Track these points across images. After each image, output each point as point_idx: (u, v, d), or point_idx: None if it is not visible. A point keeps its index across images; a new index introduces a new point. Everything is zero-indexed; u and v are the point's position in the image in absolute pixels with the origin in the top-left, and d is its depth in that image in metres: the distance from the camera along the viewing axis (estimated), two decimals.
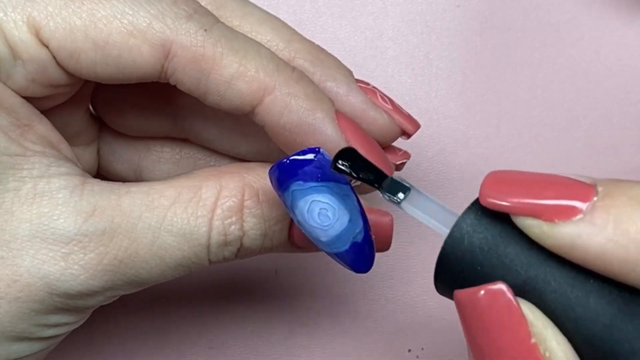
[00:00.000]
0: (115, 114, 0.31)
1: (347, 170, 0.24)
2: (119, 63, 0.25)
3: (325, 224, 0.25)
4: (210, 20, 0.26)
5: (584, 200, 0.20)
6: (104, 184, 0.26)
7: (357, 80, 0.29)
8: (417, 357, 0.37)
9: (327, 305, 0.37)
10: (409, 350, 0.37)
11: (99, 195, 0.25)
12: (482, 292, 0.20)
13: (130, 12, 0.25)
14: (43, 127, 0.26)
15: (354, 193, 0.26)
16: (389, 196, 0.24)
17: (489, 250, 0.21)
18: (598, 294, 0.20)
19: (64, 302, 0.25)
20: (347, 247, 0.26)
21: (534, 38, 0.38)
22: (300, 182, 0.25)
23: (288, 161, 0.25)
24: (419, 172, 0.38)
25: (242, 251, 0.27)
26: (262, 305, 0.37)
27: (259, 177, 0.27)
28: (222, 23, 0.27)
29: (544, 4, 0.38)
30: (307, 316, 0.37)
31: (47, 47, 0.25)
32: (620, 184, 0.20)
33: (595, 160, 0.38)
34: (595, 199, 0.20)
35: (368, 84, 0.30)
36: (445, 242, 0.22)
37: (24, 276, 0.25)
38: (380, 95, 0.29)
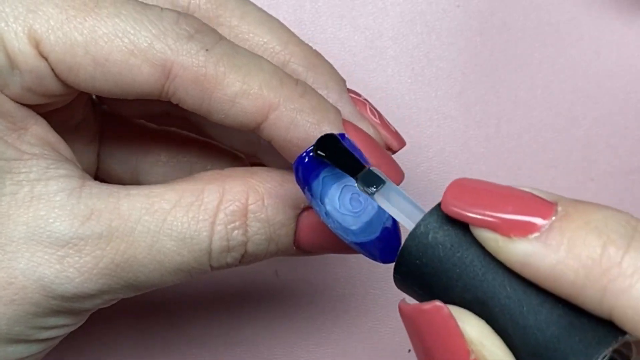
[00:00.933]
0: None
1: (326, 156, 0.24)
2: (119, 80, 0.25)
3: (357, 209, 0.25)
4: (212, 39, 0.26)
5: (542, 218, 0.20)
6: (103, 186, 0.26)
7: (349, 90, 0.29)
8: None
9: (327, 306, 0.37)
10: (409, 350, 0.37)
11: (97, 198, 0.25)
12: (424, 307, 0.21)
13: (132, 31, 0.25)
14: (40, 128, 0.26)
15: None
16: (363, 187, 0.24)
17: (447, 252, 0.21)
18: (549, 306, 0.20)
19: (60, 304, 0.25)
20: (378, 234, 0.25)
21: (534, 38, 0.38)
22: (331, 168, 0.24)
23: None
24: (419, 172, 0.38)
25: (246, 257, 0.27)
26: (262, 306, 0.37)
27: (263, 180, 0.27)
28: (225, 40, 0.26)
29: (544, 4, 0.38)
30: (307, 316, 0.37)
31: (46, 59, 0.25)
32: (580, 206, 0.20)
33: (595, 160, 0.38)
34: (553, 218, 0.20)
35: (359, 95, 0.30)
36: (407, 238, 0.22)
37: (19, 278, 0.25)
38: (369, 108, 0.29)
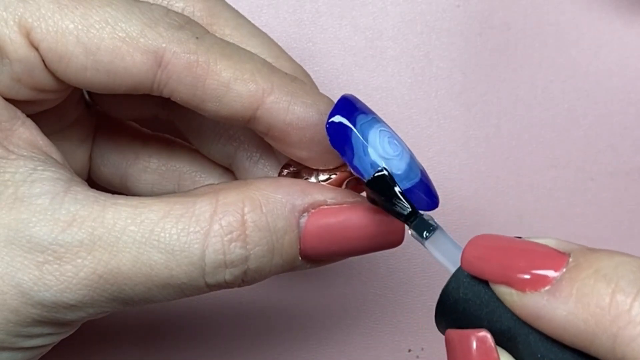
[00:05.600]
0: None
1: (380, 196, 0.24)
2: (110, 70, 0.25)
3: (397, 152, 0.25)
4: (201, 30, 0.26)
5: (553, 270, 0.21)
6: (90, 193, 0.25)
7: None
8: (417, 357, 0.37)
9: (327, 306, 0.37)
10: (409, 350, 0.37)
11: (81, 205, 0.24)
12: (471, 336, 0.22)
13: (123, 20, 0.25)
14: (28, 130, 0.26)
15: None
16: (415, 233, 0.25)
17: (477, 307, 0.22)
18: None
19: (40, 313, 0.24)
20: (419, 176, 0.25)
21: (534, 38, 0.38)
22: (363, 115, 0.25)
23: (342, 100, 0.25)
24: None
25: (249, 273, 0.25)
26: (261, 306, 0.37)
27: (258, 187, 0.26)
28: (213, 34, 0.26)
29: (544, 4, 0.38)
30: (307, 316, 0.37)
31: (37, 49, 0.25)
32: (590, 256, 0.20)
33: (595, 160, 0.38)
34: (564, 270, 0.20)
35: None
36: (442, 291, 0.23)
37: None
38: None
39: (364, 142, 0.25)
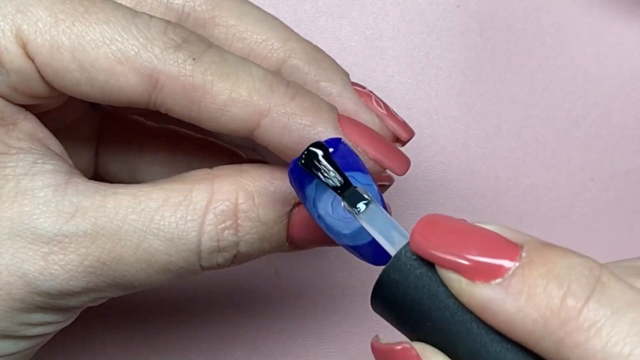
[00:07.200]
0: None
1: (313, 169, 0.24)
2: (105, 87, 0.25)
3: (349, 215, 0.24)
4: (200, 48, 0.26)
5: (505, 262, 0.20)
6: (90, 183, 0.26)
7: (353, 84, 0.29)
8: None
9: (327, 305, 0.37)
10: None
11: (83, 196, 0.25)
12: (394, 348, 0.22)
13: (119, 39, 0.25)
14: (29, 124, 0.26)
15: (374, 182, 0.25)
16: (348, 205, 0.24)
17: (419, 289, 0.21)
18: (512, 353, 0.20)
19: (45, 301, 0.25)
20: (370, 238, 0.25)
21: (534, 38, 0.38)
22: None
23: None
24: (419, 172, 0.38)
25: (239, 257, 0.27)
26: (261, 305, 0.37)
27: (253, 178, 0.26)
28: (213, 47, 0.26)
29: (544, 4, 0.38)
30: (307, 316, 0.37)
31: (32, 61, 0.25)
32: (544, 252, 0.20)
33: (595, 160, 0.38)
34: (516, 264, 0.20)
35: (364, 87, 0.29)
36: (383, 271, 0.22)
37: (3, 274, 0.24)
38: (375, 100, 0.29)
39: (315, 199, 0.25)
